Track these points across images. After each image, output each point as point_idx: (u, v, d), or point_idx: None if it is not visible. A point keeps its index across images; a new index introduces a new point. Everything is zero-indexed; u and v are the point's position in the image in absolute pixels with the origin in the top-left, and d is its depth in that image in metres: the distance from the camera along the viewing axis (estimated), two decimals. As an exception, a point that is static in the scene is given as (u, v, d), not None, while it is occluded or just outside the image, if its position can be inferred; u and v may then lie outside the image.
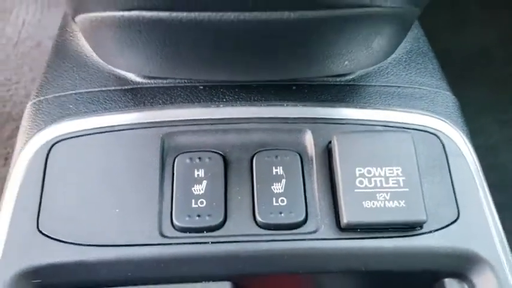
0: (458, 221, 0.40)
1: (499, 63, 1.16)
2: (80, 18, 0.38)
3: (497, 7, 1.21)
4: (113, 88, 0.44)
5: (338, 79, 0.46)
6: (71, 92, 0.45)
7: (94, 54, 0.47)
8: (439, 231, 0.40)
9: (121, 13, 0.33)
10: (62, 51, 0.49)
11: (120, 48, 0.40)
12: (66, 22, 0.52)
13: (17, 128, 1.10)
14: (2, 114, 1.04)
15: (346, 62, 0.40)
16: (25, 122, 0.45)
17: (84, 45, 0.48)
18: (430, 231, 0.40)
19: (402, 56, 0.48)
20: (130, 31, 0.35)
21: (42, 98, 0.45)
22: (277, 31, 0.34)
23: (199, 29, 0.33)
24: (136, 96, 0.44)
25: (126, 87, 0.44)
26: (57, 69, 0.47)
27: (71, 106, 0.44)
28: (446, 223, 0.40)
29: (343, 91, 0.45)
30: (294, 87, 0.45)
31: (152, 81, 0.45)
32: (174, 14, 0.32)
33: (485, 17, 1.18)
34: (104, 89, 0.44)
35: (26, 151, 0.42)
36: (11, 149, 1.00)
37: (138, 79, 0.45)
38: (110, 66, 0.45)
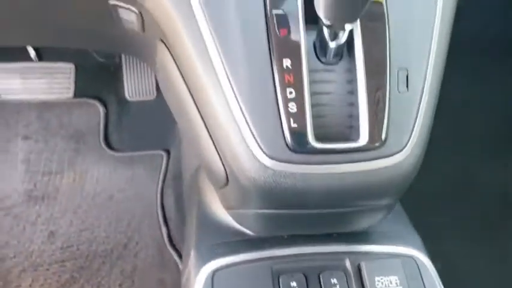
0: None
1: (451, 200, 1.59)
2: (230, 210, 0.76)
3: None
4: (240, 239, 0.80)
5: (359, 230, 0.84)
6: (216, 242, 0.81)
7: (223, 217, 0.83)
8: None
9: (261, 211, 0.71)
10: (202, 217, 0.86)
11: (248, 220, 0.78)
12: (201, 197, 0.90)
13: (103, 262, 1.42)
14: (90, 252, 1.34)
15: (362, 224, 0.79)
16: (193, 261, 0.79)
17: (216, 212, 0.85)
18: None
19: (389, 215, 0.87)
20: (260, 217, 0.73)
21: (201, 246, 0.81)
22: (327, 215, 0.73)
23: (296, 216, 0.72)
24: (253, 243, 0.80)
25: (246, 238, 0.81)
26: (203, 228, 0.84)
27: (219, 250, 0.79)
28: None
29: (362, 236, 0.82)
30: (334, 235, 0.82)
31: (260, 234, 0.82)
32: (288, 211, 0.70)
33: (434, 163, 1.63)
34: (235, 239, 0.80)
35: (200, 276, 0.76)
36: (100, 278, 1.29)
37: (252, 233, 0.81)
38: (234, 224, 0.82)
